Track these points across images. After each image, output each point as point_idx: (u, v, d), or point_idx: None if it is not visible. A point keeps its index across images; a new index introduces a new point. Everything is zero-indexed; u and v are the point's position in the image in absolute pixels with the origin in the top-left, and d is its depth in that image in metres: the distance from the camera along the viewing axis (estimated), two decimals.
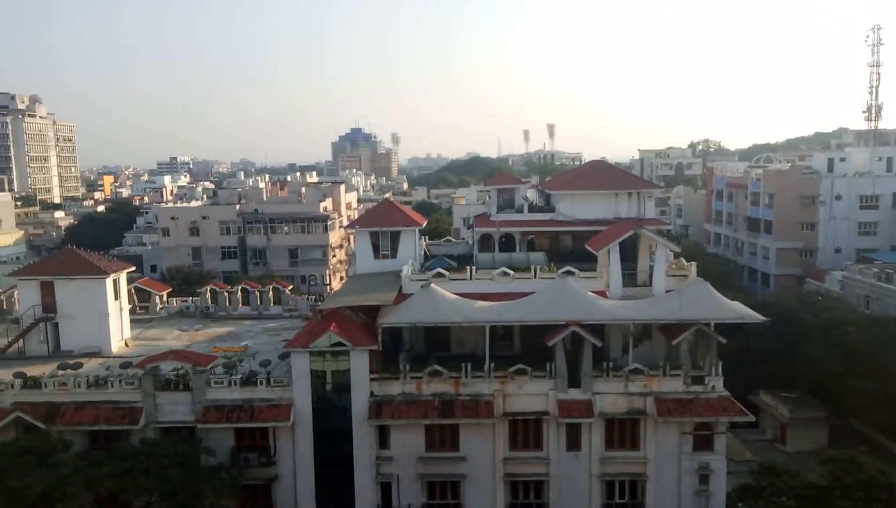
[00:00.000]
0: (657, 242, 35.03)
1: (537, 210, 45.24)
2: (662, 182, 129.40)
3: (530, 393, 31.82)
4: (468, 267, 36.45)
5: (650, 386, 31.65)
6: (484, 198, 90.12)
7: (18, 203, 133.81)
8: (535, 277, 35.04)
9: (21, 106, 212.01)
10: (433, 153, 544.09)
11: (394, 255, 40.18)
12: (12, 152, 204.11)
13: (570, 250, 42.34)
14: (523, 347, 34.58)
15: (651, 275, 34.98)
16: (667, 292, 34.00)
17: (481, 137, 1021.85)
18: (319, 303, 43.08)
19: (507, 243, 43.27)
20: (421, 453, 31.87)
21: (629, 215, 41.37)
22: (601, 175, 44.60)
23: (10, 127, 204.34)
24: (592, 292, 33.49)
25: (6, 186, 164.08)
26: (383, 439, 31.90)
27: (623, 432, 32.07)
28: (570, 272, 34.36)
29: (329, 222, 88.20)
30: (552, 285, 33.44)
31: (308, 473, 31.82)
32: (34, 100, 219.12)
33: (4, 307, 46.29)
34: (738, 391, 34.62)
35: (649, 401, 31.39)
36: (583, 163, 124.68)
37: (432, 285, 33.65)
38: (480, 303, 33.18)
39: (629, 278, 35.42)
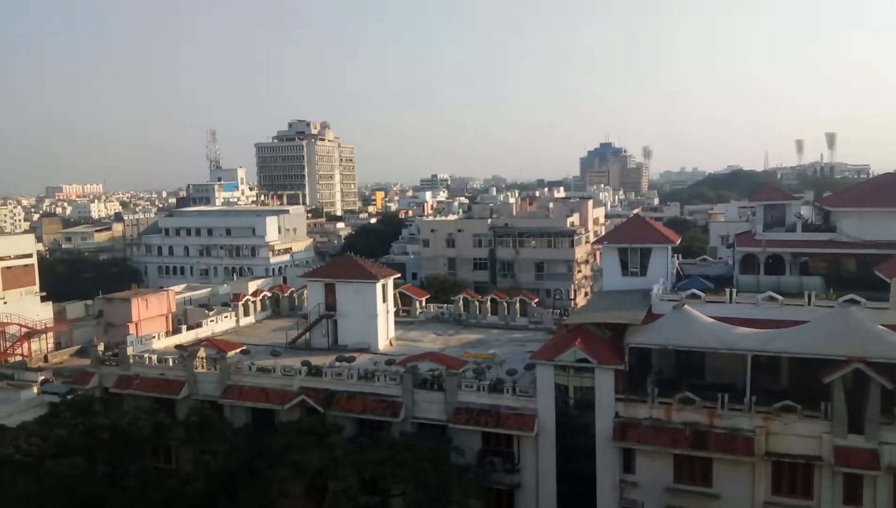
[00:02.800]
0: None
1: (813, 229, 40.50)
2: None
3: (799, 434, 28.33)
4: (727, 289, 33.74)
5: None
6: (747, 215, 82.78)
7: (309, 215, 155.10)
8: (808, 304, 31.30)
9: (314, 131, 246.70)
10: (688, 167, 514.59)
11: (643, 273, 38.80)
12: (306, 171, 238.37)
13: (854, 276, 37.11)
14: (791, 382, 30.98)
15: None
16: None
17: (744, 149, 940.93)
18: (564, 317, 43.23)
19: (774, 265, 39.29)
20: (668, 483, 30.17)
21: None
22: None
23: (305, 149, 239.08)
24: (883, 325, 28.85)
25: (300, 201, 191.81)
26: (628, 462, 30.83)
27: None
28: (854, 301, 30.03)
29: (575, 238, 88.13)
30: (832, 314, 29.51)
31: (550, 486, 31.96)
32: (324, 126, 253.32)
33: (297, 304, 54.09)
34: None
35: None
36: (871, 176, 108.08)
37: (686, 306, 31.79)
38: (742, 329, 30.51)
39: None
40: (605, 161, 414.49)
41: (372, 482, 31.03)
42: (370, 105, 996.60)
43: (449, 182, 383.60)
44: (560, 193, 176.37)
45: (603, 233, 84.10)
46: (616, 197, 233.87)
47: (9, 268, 68.34)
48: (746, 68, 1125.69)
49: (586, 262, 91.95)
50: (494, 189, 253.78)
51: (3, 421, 40.91)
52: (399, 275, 50.83)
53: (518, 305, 48.99)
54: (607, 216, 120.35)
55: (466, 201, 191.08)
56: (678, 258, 46.22)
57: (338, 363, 36.94)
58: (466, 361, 35.75)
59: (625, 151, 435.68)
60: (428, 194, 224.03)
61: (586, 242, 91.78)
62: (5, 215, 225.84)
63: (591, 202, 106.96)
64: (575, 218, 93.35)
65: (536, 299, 51.95)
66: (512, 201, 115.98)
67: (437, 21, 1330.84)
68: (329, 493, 31.42)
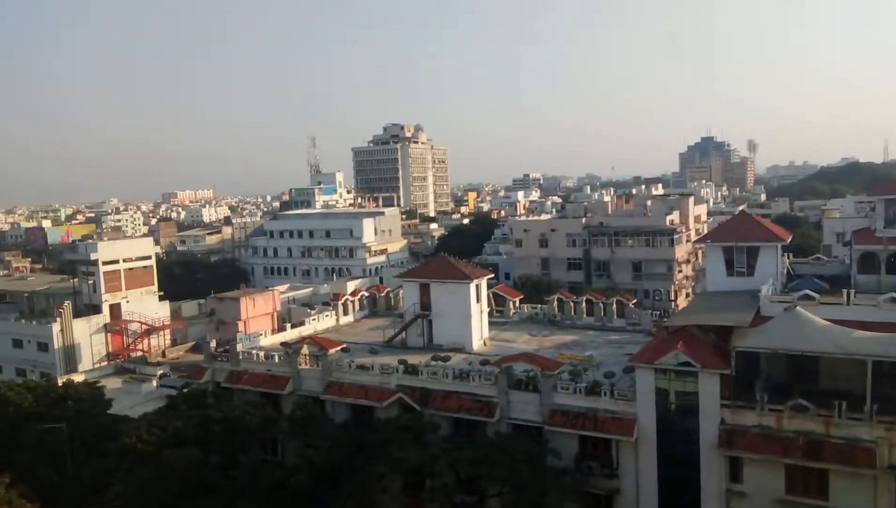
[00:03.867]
0: None
1: None
2: None
3: None
4: (844, 290, 31.55)
5: None
6: (865, 210, 77.05)
7: (403, 216, 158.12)
8: None
9: (408, 134, 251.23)
10: (798, 160, 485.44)
11: (750, 273, 36.94)
12: (400, 174, 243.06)
13: None
14: None
15: None
16: None
17: (860, 141, 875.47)
18: (664, 319, 41.82)
19: None
20: (780, 494, 28.54)
21: None
22: None
23: (399, 152, 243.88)
24: None
25: (395, 202, 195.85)
26: (735, 471, 29.42)
27: None
28: None
29: (675, 236, 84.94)
30: None
31: (651, 492, 31.03)
32: (418, 129, 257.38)
33: (393, 303, 55.26)
34: None
35: None
36: None
37: (798, 308, 29.99)
38: (861, 333, 28.42)
39: None
40: (706, 156, 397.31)
41: (468, 481, 31.22)
42: (462, 106, 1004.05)
43: (541, 181, 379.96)
44: (658, 190, 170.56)
45: (705, 231, 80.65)
46: (719, 193, 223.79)
47: (131, 269, 73.75)
48: (864, 58, 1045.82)
49: (687, 262, 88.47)
50: (588, 187, 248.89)
51: (127, 412, 44.28)
52: (492, 275, 50.86)
53: (615, 306, 47.85)
54: (710, 214, 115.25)
55: (559, 200, 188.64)
56: (788, 257, 43.69)
57: (433, 363, 37.41)
58: (562, 362, 35.28)
59: (728, 145, 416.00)
60: (520, 194, 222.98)
61: (687, 240, 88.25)
62: (127, 220, 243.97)
63: (692, 199, 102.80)
64: (675, 216, 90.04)
65: (634, 300, 50.51)
66: (607, 199, 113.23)
67: (531, 11, 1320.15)
68: (426, 490, 31.87)
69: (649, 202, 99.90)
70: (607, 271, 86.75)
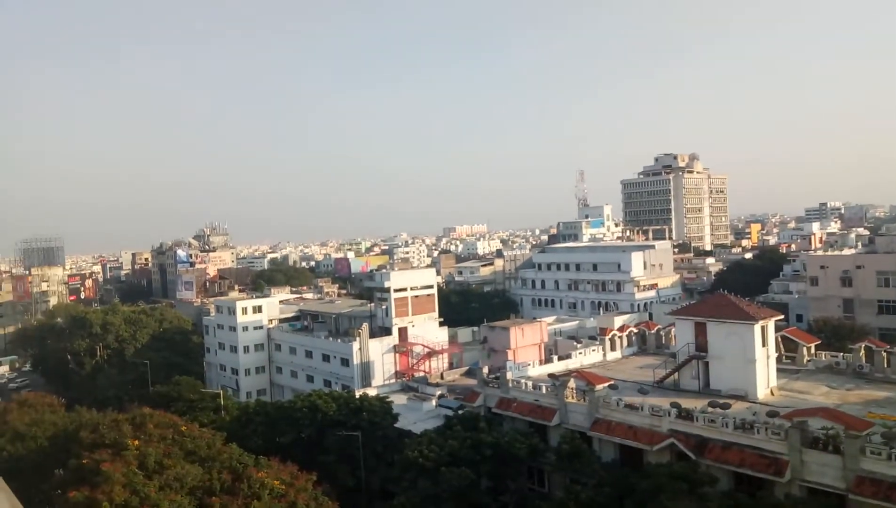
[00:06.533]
0: None
1: None
2: None
3: None
4: None
5: None
6: None
7: (675, 250, 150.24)
8: None
9: (681, 164, 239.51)
10: None
11: None
12: (672, 205, 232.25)
13: None
14: None
15: None
16: None
17: None
18: None
19: None
20: None
21: None
22: None
23: (671, 183, 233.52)
24: None
25: (666, 236, 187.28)
26: None
27: None
28: None
29: None
30: None
31: None
32: (693, 158, 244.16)
33: (663, 341, 52.64)
34: None
35: None
36: None
37: None
38: None
39: None
40: None
41: None
42: (744, 133, 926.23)
43: (842, 210, 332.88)
44: None
45: None
46: None
47: (416, 296, 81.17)
48: None
49: None
50: None
51: (410, 427, 48.40)
52: (781, 316, 45.63)
53: None
54: None
55: (866, 231, 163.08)
56: None
57: (710, 409, 34.69)
58: (872, 422, 30.17)
59: None
60: (815, 226, 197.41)
61: None
62: (413, 252, 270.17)
63: None
64: None
65: None
66: None
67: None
68: None
69: None
70: None
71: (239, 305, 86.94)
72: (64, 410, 53.20)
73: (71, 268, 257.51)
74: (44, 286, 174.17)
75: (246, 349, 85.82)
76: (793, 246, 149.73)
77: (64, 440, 41.39)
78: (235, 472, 33.39)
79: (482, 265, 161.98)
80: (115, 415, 42.19)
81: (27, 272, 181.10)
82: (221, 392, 62.33)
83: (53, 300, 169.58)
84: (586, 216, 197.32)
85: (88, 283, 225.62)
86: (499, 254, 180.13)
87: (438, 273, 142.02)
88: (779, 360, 42.94)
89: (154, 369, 79.11)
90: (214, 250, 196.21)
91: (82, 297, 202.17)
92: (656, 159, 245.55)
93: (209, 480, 32.35)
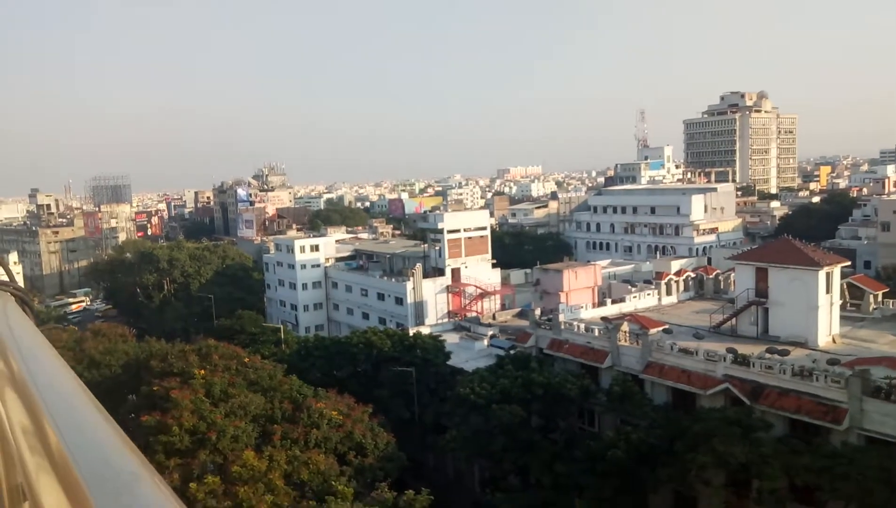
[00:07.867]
0: None
1: None
2: None
3: None
4: None
5: None
6: None
7: (739, 193, 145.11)
8: None
9: (749, 103, 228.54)
10: None
11: None
12: (737, 146, 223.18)
13: None
14: None
15: None
16: None
17: None
18: None
19: None
20: None
21: None
22: None
23: (737, 123, 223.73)
24: None
25: (729, 178, 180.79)
26: None
27: None
28: None
29: None
30: None
31: None
32: (761, 96, 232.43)
33: (721, 286, 51.58)
34: None
35: None
36: None
37: None
38: None
39: None
40: None
41: (805, 489, 27.96)
42: (816, 67, 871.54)
43: None
44: None
45: None
46: None
47: (470, 238, 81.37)
48: None
49: None
50: None
51: (462, 365, 49.36)
52: (848, 263, 43.98)
53: None
54: None
55: None
56: None
57: (768, 355, 34.11)
58: None
59: None
60: (889, 168, 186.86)
61: None
62: (467, 194, 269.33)
63: None
64: None
65: None
66: None
67: None
68: (753, 491, 29.47)
69: None
70: None
71: (297, 243, 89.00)
72: (134, 340, 56.28)
73: (137, 205, 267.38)
74: (112, 223, 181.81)
75: (304, 286, 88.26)
76: (864, 190, 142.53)
77: (135, 368, 43.91)
78: (296, 402, 34.95)
79: (536, 208, 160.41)
80: (183, 346, 44.37)
81: (97, 209, 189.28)
82: (282, 327, 64.62)
83: (122, 236, 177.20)
84: (646, 158, 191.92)
85: (154, 220, 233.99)
86: (553, 196, 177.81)
87: (492, 215, 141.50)
88: (843, 307, 41.62)
89: (218, 303, 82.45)
90: (273, 189, 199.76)
91: (149, 233, 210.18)
92: (722, 98, 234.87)
93: (271, 409, 33.99)
